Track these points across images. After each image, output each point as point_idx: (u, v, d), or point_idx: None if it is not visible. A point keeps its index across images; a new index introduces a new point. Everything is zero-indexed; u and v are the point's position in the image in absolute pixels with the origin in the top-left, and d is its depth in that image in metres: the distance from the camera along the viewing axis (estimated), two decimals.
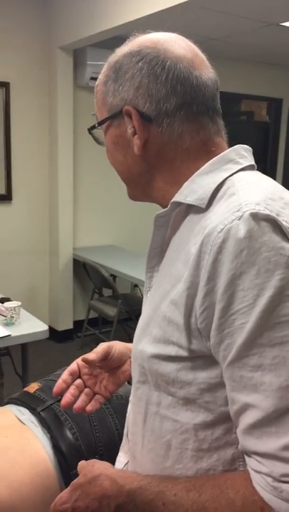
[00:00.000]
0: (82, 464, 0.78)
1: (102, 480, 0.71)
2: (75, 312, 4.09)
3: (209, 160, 0.73)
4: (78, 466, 0.78)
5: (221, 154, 0.73)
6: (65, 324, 4.04)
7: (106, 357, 0.93)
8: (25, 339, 2.28)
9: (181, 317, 0.67)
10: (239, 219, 0.61)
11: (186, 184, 0.73)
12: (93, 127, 0.82)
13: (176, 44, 0.74)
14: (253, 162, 0.76)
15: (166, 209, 0.75)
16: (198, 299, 0.64)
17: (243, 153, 0.75)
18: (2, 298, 2.57)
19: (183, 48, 0.74)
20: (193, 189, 0.72)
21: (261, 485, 0.59)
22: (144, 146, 0.74)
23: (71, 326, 4.07)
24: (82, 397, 0.92)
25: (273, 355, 0.58)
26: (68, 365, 1.32)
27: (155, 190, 0.78)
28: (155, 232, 0.77)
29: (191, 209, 0.72)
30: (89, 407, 0.91)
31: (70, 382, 0.92)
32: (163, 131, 0.73)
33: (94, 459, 0.78)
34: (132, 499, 0.67)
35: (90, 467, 0.75)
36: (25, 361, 2.40)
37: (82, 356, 0.93)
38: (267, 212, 0.61)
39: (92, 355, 0.91)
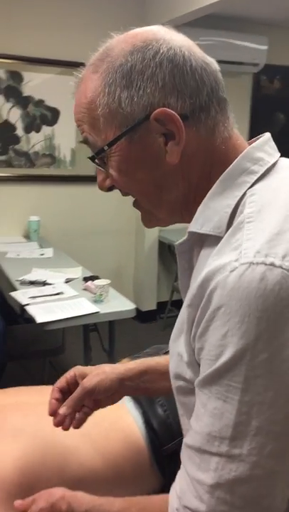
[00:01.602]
0: (39, 494, 0.81)
1: (61, 504, 0.77)
2: (158, 293, 4.14)
3: (237, 154, 0.67)
4: (35, 496, 0.82)
5: (232, 166, 0.66)
6: (149, 305, 4.10)
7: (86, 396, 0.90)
8: (112, 316, 2.34)
9: (188, 356, 0.67)
10: (232, 271, 0.56)
11: (200, 209, 0.67)
12: (101, 151, 0.68)
13: (171, 33, 0.67)
14: (274, 158, 0.68)
15: (184, 239, 0.70)
16: (192, 339, 0.64)
17: (257, 157, 0.67)
18: (91, 276, 2.65)
19: (181, 36, 0.68)
20: (208, 216, 0.66)
21: (170, 509, 0.65)
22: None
23: (154, 307, 4.12)
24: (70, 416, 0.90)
25: (214, 406, 0.59)
26: (151, 345, 1.33)
27: (192, 204, 0.69)
28: (179, 259, 0.73)
29: (209, 236, 0.66)
30: (75, 424, 0.90)
31: (62, 399, 0.91)
32: (199, 128, 0.66)
33: (48, 489, 0.82)
34: None
35: (48, 493, 0.80)
36: (112, 338, 2.47)
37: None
38: (266, 266, 0.55)
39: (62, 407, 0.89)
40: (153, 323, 4.07)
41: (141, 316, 3.99)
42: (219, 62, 0.70)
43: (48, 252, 3.16)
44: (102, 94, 0.65)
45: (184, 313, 0.68)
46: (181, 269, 0.73)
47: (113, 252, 4.02)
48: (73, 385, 0.92)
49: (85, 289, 2.48)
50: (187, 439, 0.64)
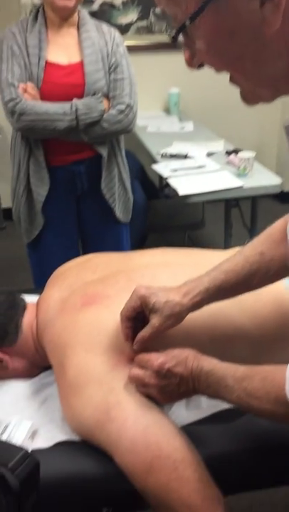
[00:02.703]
0: (172, 349, 0.86)
1: (191, 359, 0.83)
2: None
3: None
4: (167, 351, 0.86)
5: None
6: None
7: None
8: (256, 191, 2.24)
9: None
10: None
11: None
12: (183, 27, 0.55)
13: None
14: None
15: None
16: None
17: None
18: (234, 149, 2.52)
19: None
20: None
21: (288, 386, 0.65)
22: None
23: None
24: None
25: None
26: None
27: None
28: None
29: None
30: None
31: (134, 325, 0.90)
32: None
33: (181, 348, 0.87)
34: (206, 378, 0.80)
35: (179, 350, 0.86)
36: (255, 214, 2.39)
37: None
38: None
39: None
40: None
41: (282, 196, 3.79)
42: None
43: (189, 126, 3.06)
44: None
45: None
46: None
47: (256, 126, 3.77)
48: (140, 309, 0.90)
49: (227, 163, 2.38)
50: None
